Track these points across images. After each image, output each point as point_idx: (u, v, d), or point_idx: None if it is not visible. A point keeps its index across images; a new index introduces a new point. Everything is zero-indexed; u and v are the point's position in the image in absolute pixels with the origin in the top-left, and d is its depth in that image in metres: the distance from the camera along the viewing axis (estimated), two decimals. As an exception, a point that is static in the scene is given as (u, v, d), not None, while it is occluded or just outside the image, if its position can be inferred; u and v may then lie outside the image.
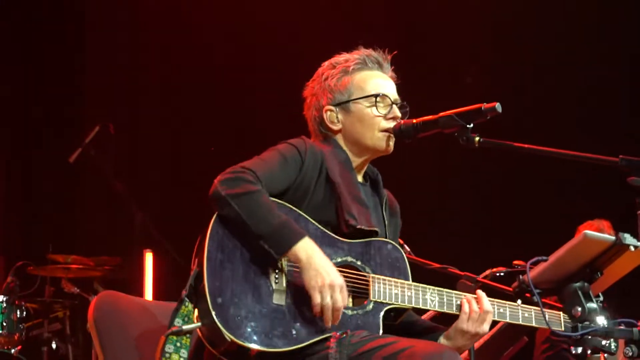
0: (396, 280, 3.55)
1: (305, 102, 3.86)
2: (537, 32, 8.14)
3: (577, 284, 3.02)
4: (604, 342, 3.16)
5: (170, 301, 3.44)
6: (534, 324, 3.68)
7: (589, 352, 3.26)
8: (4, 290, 6.79)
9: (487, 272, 4.77)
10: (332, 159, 3.67)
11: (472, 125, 3.50)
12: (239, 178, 3.38)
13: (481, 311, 3.55)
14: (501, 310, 3.63)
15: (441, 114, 3.58)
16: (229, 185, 3.36)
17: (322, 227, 3.53)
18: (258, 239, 3.32)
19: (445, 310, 3.58)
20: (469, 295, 3.60)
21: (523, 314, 3.65)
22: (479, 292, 3.62)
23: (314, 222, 3.52)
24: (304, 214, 3.51)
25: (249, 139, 7.80)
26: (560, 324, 3.63)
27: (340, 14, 8.29)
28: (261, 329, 3.27)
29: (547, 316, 3.43)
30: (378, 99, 3.74)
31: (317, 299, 3.31)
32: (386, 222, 3.77)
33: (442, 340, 3.61)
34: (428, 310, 3.63)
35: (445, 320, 3.72)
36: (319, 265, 3.33)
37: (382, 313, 3.49)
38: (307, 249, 3.34)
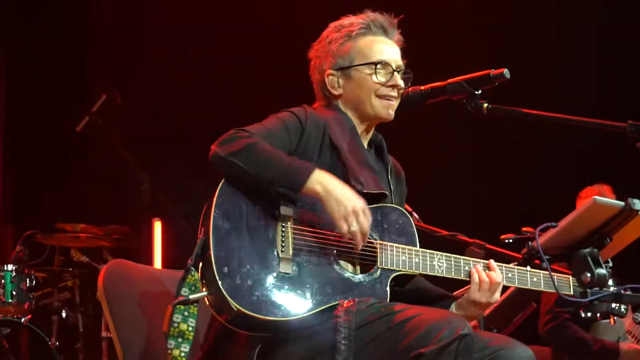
0: (403, 246, 3.54)
1: (310, 63, 3.84)
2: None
3: (587, 250, 3.02)
4: (614, 305, 3.16)
5: (179, 269, 3.44)
6: (542, 289, 3.65)
7: (598, 315, 3.27)
8: (13, 260, 6.82)
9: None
10: (336, 124, 3.65)
11: (480, 91, 3.49)
12: (235, 137, 3.37)
13: (491, 282, 3.55)
14: (510, 275, 3.62)
15: (449, 80, 3.57)
16: (227, 146, 3.35)
17: None
18: (270, 184, 3.32)
19: (453, 275, 3.57)
20: (479, 265, 3.60)
21: (532, 278, 3.63)
22: (491, 261, 3.62)
23: None
24: None
25: (258, 102, 7.80)
26: (570, 288, 3.62)
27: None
28: (268, 297, 3.26)
29: (556, 280, 3.42)
30: (379, 66, 3.72)
31: (344, 227, 3.33)
32: (392, 188, 3.76)
33: (454, 309, 3.61)
34: (436, 276, 3.62)
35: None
36: (338, 193, 3.34)
37: (389, 279, 3.49)
38: (321, 181, 3.34)
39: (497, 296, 3.56)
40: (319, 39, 3.82)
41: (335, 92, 3.76)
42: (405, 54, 3.78)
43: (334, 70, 3.75)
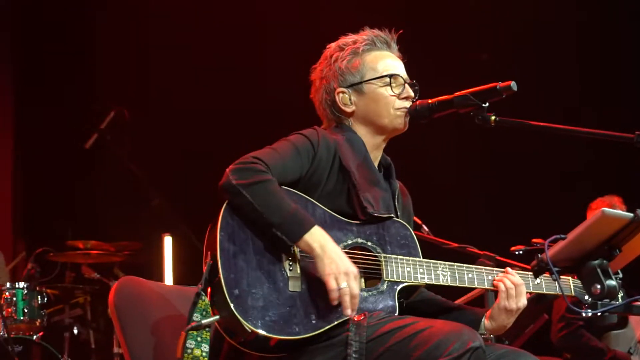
0: (407, 258, 3.56)
1: (314, 85, 3.83)
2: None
3: (596, 262, 3.01)
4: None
5: (190, 285, 3.44)
6: (544, 291, 3.70)
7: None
8: (24, 277, 6.84)
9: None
10: (346, 146, 3.64)
11: (487, 104, 3.49)
12: (250, 168, 3.37)
13: (515, 286, 3.57)
14: None
15: (456, 93, 3.57)
16: (241, 175, 3.34)
17: (330, 211, 3.52)
18: (270, 227, 3.32)
19: (457, 284, 3.59)
20: (501, 274, 3.62)
21: (533, 281, 3.67)
22: (508, 268, 3.64)
23: (322, 207, 3.51)
24: (312, 200, 3.50)
25: (266, 120, 7.82)
26: (570, 289, 3.68)
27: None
28: (280, 317, 3.27)
29: (562, 285, 3.43)
30: (391, 79, 3.72)
31: (332, 284, 3.30)
32: (399, 212, 3.75)
33: (485, 322, 3.63)
34: (441, 286, 3.63)
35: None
36: (332, 253, 3.32)
37: (396, 292, 3.50)
38: (319, 238, 3.33)
39: (524, 300, 3.59)
40: (321, 60, 3.81)
41: (348, 110, 3.74)
42: (408, 70, 3.79)
43: (344, 87, 3.74)
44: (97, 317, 7.74)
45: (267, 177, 3.36)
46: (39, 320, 6.71)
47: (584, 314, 3.04)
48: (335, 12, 7.93)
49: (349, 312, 3.31)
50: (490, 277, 3.63)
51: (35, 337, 6.61)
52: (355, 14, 7.52)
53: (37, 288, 6.75)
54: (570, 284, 3.71)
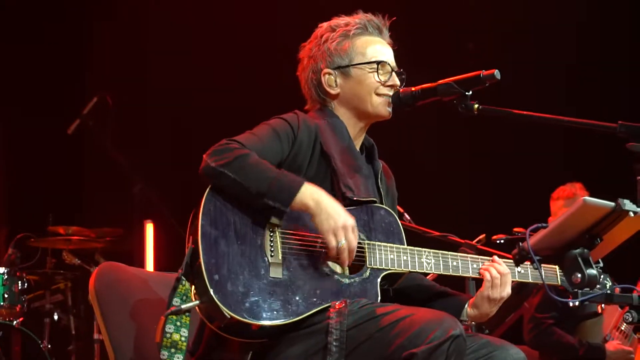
0: (391, 245, 3.55)
1: (301, 63, 3.81)
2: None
3: (577, 251, 3.02)
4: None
5: (171, 271, 3.44)
6: (530, 280, 3.71)
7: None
8: (5, 262, 6.82)
9: (481, 236, 4.80)
10: (328, 130, 3.64)
11: (470, 92, 3.50)
12: (227, 148, 3.36)
13: (500, 275, 3.57)
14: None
15: (440, 81, 3.57)
16: (218, 157, 3.34)
17: None
18: (260, 197, 3.31)
19: (441, 272, 3.59)
20: (487, 262, 3.62)
21: (519, 270, 3.67)
22: (495, 257, 3.64)
23: None
24: None
25: (254, 104, 7.81)
26: (557, 278, 3.67)
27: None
28: (260, 303, 3.26)
29: (543, 272, 3.43)
30: (379, 65, 3.72)
31: (332, 242, 3.33)
32: (382, 193, 3.75)
33: (468, 309, 3.64)
34: (426, 274, 3.64)
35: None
36: (329, 207, 3.34)
37: (379, 279, 3.50)
38: (312, 194, 3.34)
39: (509, 290, 3.59)
40: (311, 39, 3.80)
41: (332, 92, 3.74)
42: (401, 58, 3.79)
43: (331, 69, 3.73)
44: (78, 303, 7.72)
45: (244, 150, 3.35)
46: (19, 306, 6.70)
47: (564, 304, 3.05)
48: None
49: (346, 264, 3.38)
50: (475, 265, 3.63)
51: (15, 322, 6.60)
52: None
53: (18, 273, 6.74)
54: (557, 273, 3.68)
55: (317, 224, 3.35)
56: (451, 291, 3.78)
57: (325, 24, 3.80)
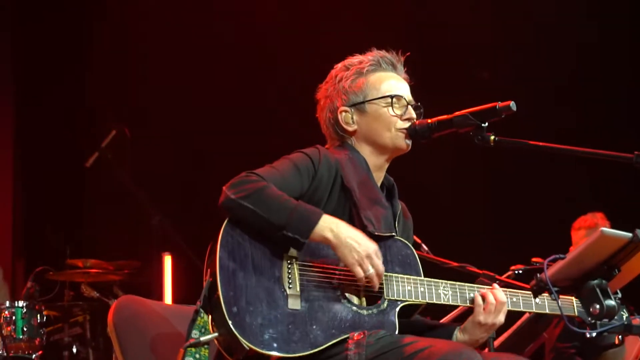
0: (408, 276, 3.56)
1: (319, 104, 3.84)
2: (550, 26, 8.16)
3: (595, 282, 3.01)
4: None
5: (189, 304, 3.44)
6: (547, 311, 3.69)
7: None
8: (24, 296, 6.83)
9: (510, 272, 4.79)
10: (349, 164, 3.65)
11: (486, 124, 3.50)
12: (246, 181, 3.39)
13: (496, 302, 3.56)
14: (514, 299, 3.64)
15: (456, 113, 3.58)
16: (238, 189, 3.36)
17: None
18: (280, 229, 3.32)
19: (459, 303, 3.59)
20: (485, 287, 3.61)
21: (536, 301, 3.66)
22: (495, 284, 3.63)
23: None
24: None
25: (268, 137, 7.84)
26: (574, 309, 3.64)
27: (353, 15, 8.29)
28: (279, 335, 3.27)
29: (560, 303, 3.42)
30: (394, 99, 3.73)
31: (359, 273, 3.35)
32: (398, 234, 3.74)
33: (458, 334, 3.61)
34: (442, 305, 3.62)
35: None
36: (349, 238, 3.35)
37: (396, 310, 3.50)
38: (330, 225, 3.36)
39: (501, 318, 3.57)
40: (327, 80, 3.83)
41: (350, 129, 3.76)
42: (412, 91, 3.81)
43: (347, 106, 3.75)
44: (97, 336, 7.72)
45: (263, 183, 3.38)
46: (38, 339, 6.69)
47: (584, 334, 3.04)
48: (340, 32, 7.96)
49: (377, 288, 3.41)
50: None
51: (34, 356, 6.59)
52: (361, 33, 7.53)
53: (37, 307, 6.73)
54: (573, 304, 3.67)
55: (340, 257, 3.37)
56: (440, 323, 3.79)
57: (339, 64, 3.84)
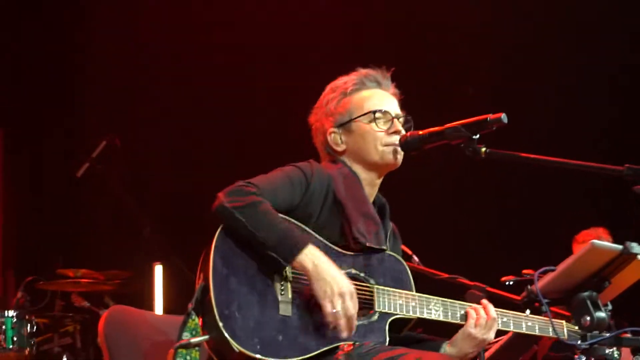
0: (400, 291, 3.57)
1: (312, 128, 3.91)
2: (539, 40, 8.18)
3: (586, 294, 3.02)
4: (607, 351, 3.17)
5: (180, 314, 3.45)
6: (537, 333, 3.71)
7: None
8: (14, 306, 6.81)
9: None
10: (340, 178, 3.69)
11: (478, 136, 3.51)
12: (242, 191, 3.42)
13: (488, 318, 3.57)
14: (504, 319, 3.66)
15: (447, 125, 3.58)
16: (233, 198, 3.39)
17: (325, 241, 3.55)
18: (265, 248, 3.35)
19: (449, 319, 3.60)
20: (475, 304, 3.62)
21: (527, 322, 3.68)
22: (484, 301, 3.64)
23: (317, 235, 3.54)
24: (308, 229, 3.53)
25: (258, 149, 7.83)
26: (564, 333, 3.68)
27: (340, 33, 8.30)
28: (269, 339, 3.28)
29: (554, 324, 3.43)
30: (378, 114, 3.76)
31: (328, 308, 3.34)
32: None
33: (447, 348, 3.62)
34: (432, 321, 3.63)
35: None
36: (326, 274, 3.36)
37: (387, 323, 3.51)
38: (312, 258, 3.37)
39: (491, 335, 3.60)
40: (317, 103, 3.89)
41: (339, 149, 3.80)
42: (404, 105, 3.83)
43: (335, 127, 3.80)
44: (87, 346, 7.69)
45: (258, 198, 3.40)
46: (28, 349, 6.67)
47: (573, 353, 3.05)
48: (324, 50, 7.98)
49: (344, 335, 3.34)
50: None
51: (24, 366, 6.58)
52: (345, 51, 7.56)
53: (27, 317, 6.71)
54: (564, 327, 3.70)
55: (314, 290, 3.37)
56: (429, 337, 3.78)
57: (328, 86, 3.90)
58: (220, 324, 3.23)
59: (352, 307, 3.35)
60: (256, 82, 8.45)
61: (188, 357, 3.30)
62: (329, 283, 3.34)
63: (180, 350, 3.29)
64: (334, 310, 3.33)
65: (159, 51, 8.70)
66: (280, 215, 3.46)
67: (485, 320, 3.57)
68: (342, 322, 3.34)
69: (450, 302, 3.62)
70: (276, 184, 3.53)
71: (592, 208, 7.78)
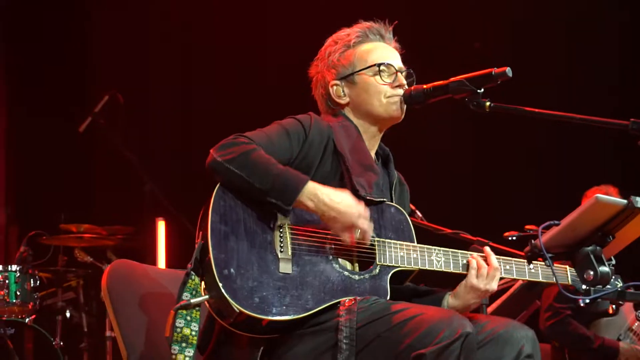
0: (401, 242, 3.56)
1: (312, 81, 3.86)
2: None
3: (589, 248, 3.01)
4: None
5: (183, 269, 3.44)
6: (540, 279, 3.70)
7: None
8: (17, 260, 6.83)
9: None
10: (341, 130, 3.66)
11: (482, 90, 3.49)
12: (234, 143, 3.38)
13: (490, 268, 3.56)
14: (507, 267, 3.65)
15: (451, 79, 3.57)
16: (225, 152, 3.35)
17: None
18: (263, 194, 3.32)
19: (451, 270, 3.59)
20: (476, 253, 3.61)
21: (529, 269, 3.66)
22: (486, 248, 3.63)
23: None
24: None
25: (263, 101, 7.81)
26: (567, 278, 3.68)
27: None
28: (270, 298, 3.27)
29: (555, 272, 3.41)
30: (382, 67, 3.72)
31: (347, 239, 3.38)
32: (394, 201, 3.75)
33: (449, 299, 3.62)
34: (435, 271, 3.62)
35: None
36: (330, 207, 3.36)
37: (389, 276, 3.50)
38: (314, 194, 3.36)
39: (494, 285, 3.58)
40: (318, 56, 3.85)
41: (342, 101, 3.77)
42: (405, 59, 3.80)
43: (338, 80, 3.76)
44: (90, 300, 7.73)
45: (251, 146, 3.37)
46: (31, 304, 6.71)
47: (575, 303, 3.04)
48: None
49: (368, 244, 3.45)
50: None
51: (27, 320, 6.60)
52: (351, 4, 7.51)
53: (30, 271, 6.74)
54: (567, 272, 3.70)
55: (326, 225, 3.39)
56: (431, 289, 3.77)
57: (329, 39, 3.86)
58: (220, 285, 3.22)
59: (367, 225, 3.39)
60: (260, 40, 8.41)
61: (189, 317, 3.30)
62: (336, 218, 3.36)
63: (180, 311, 3.28)
64: (356, 237, 3.38)
65: (165, 7, 8.66)
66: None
67: (486, 270, 3.56)
68: (366, 239, 3.41)
69: (452, 251, 3.61)
70: (272, 136, 3.49)
71: (603, 168, 7.75)
